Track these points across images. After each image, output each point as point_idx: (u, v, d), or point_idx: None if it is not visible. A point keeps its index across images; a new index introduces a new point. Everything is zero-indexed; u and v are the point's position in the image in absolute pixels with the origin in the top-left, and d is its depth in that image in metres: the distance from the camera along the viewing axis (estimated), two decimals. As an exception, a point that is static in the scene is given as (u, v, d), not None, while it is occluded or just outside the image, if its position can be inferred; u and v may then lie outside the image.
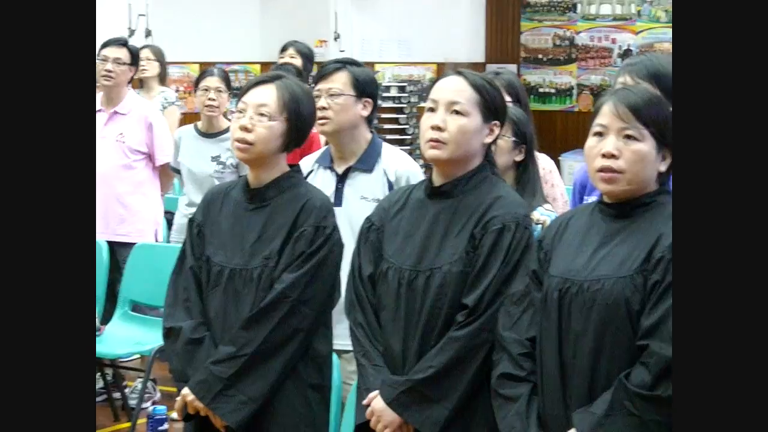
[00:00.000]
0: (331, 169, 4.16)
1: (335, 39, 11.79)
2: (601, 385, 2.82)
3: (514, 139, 3.86)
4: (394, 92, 12.01)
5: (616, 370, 2.80)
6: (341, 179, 4.15)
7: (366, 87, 4.16)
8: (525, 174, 3.92)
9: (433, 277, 3.16)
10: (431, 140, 3.19)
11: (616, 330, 2.82)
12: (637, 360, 2.78)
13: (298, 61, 7.49)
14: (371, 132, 4.24)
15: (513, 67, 13.21)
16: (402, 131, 11.57)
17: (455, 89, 3.23)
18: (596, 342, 2.83)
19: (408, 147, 11.00)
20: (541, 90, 14.03)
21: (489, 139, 3.28)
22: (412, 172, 4.16)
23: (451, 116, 3.19)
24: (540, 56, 14.32)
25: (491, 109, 3.26)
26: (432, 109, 3.22)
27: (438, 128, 3.18)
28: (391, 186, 4.08)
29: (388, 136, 10.65)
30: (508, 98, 4.33)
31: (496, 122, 3.28)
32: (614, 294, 2.82)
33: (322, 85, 4.08)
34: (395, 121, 11.72)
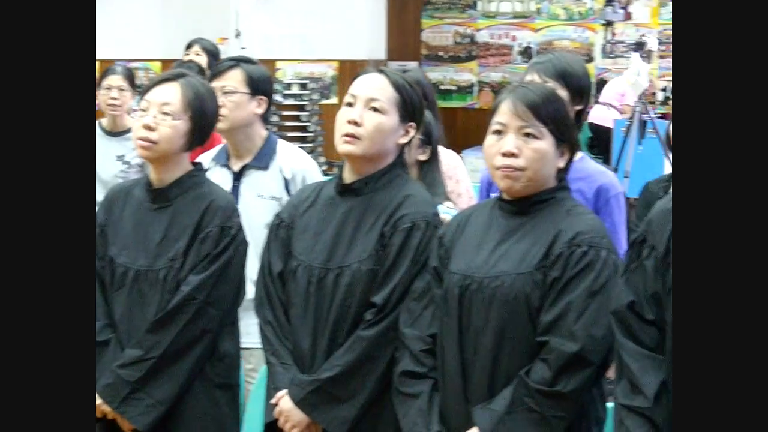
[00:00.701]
0: (227, 167, 4.16)
1: (236, 36, 11.71)
2: (501, 382, 2.85)
3: (420, 137, 3.89)
4: (295, 90, 11.98)
5: (517, 366, 2.83)
6: (237, 177, 4.15)
7: (260, 85, 4.17)
8: (429, 173, 3.94)
9: (342, 275, 3.16)
10: (346, 134, 3.17)
11: (516, 326, 2.85)
12: (537, 356, 2.82)
13: (203, 59, 7.43)
14: (267, 129, 4.25)
15: (414, 65, 13.27)
16: (303, 129, 11.54)
17: (376, 86, 3.22)
18: (497, 338, 2.86)
19: (310, 144, 10.98)
20: (442, 87, 14.10)
21: (404, 140, 3.27)
22: (309, 170, 4.17)
23: (369, 113, 3.18)
24: (441, 53, 14.40)
25: (409, 110, 3.25)
26: (350, 104, 3.21)
27: (355, 123, 3.17)
28: (287, 183, 4.08)
29: (290, 134, 10.62)
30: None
31: (412, 124, 3.27)
32: (514, 290, 2.85)
33: (216, 83, 4.05)
34: (296, 118, 11.68)
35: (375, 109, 3.19)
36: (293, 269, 3.24)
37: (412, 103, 3.26)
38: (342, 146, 3.19)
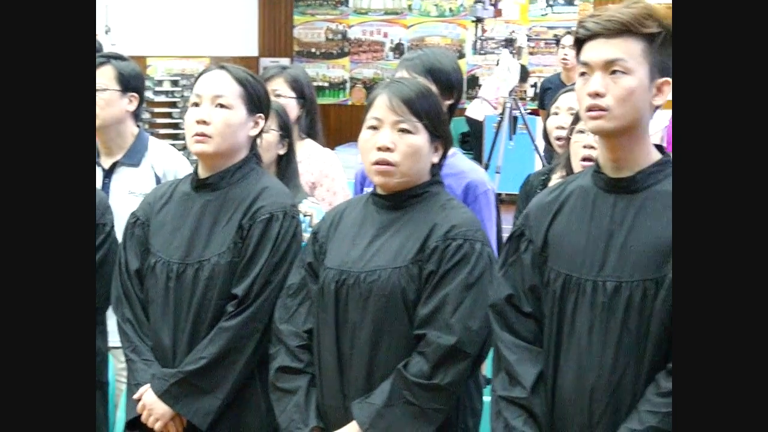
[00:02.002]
0: (98, 163, 4.12)
1: (106, 32, 11.55)
2: (379, 376, 2.85)
3: (280, 132, 3.88)
4: (167, 86, 11.86)
5: (394, 360, 2.84)
6: (108, 174, 4.11)
7: (131, 81, 4.13)
8: (288, 167, 3.93)
9: (201, 269, 3.14)
10: (197, 134, 3.17)
11: (393, 320, 2.85)
12: (415, 349, 2.83)
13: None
14: (138, 126, 4.21)
15: (286, 61, 13.24)
16: (176, 125, 11.45)
17: (219, 83, 3.22)
18: (373, 333, 2.86)
19: (182, 141, 10.88)
20: (314, 84, 14.10)
21: (254, 132, 3.28)
22: (180, 167, 4.14)
23: (216, 110, 3.18)
24: (313, 50, 14.40)
25: (255, 101, 3.26)
26: (196, 104, 3.21)
27: (203, 122, 3.17)
28: (158, 181, 4.05)
29: (162, 131, 10.53)
30: (292, 93, 4.35)
31: (261, 115, 3.28)
32: (390, 284, 2.86)
33: None
34: (168, 115, 11.58)
35: (221, 106, 3.20)
36: (151, 266, 3.22)
37: (257, 95, 3.28)
38: (194, 146, 3.19)
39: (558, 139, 4.08)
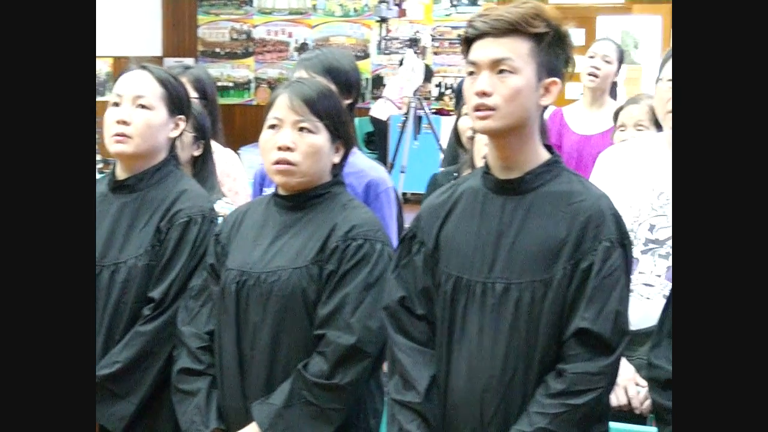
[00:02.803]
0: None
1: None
2: (279, 376, 2.85)
3: (194, 134, 3.86)
4: (68, 86, 11.70)
5: (295, 361, 2.84)
6: None
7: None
8: (204, 169, 3.92)
9: (118, 271, 3.10)
10: (116, 134, 3.14)
11: (293, 320, 2.85)
12: (315, 349, 2.83)
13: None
14: None
15: (191, 61, 13.15)
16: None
17: (140, 83, 3.19)
18: (274, 333, 2.86)
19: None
20: (219, 84, 14.02)
21: (174, 133, 3.26)
22: None
23: (137, 110, 3.16)
24: (217, 50, 14.32)
25: (176, 103, 3.25)
26: (116, 104, 3.18)
27: (123, 122, 3.14)
28: None
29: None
30: (195, 93, 4.32)
31: (182, 117, 3.27)
32: (290, 285, 2.85)
33: None
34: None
35: (142, 106, 3.17)
36: None
37: (179, 96, 3.26)
38: (113, 146, 3.16)
39: (471, 138, 4.12)
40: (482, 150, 3.60)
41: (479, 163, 3.58)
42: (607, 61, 5.64)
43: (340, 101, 3.11)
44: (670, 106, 3.29)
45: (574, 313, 2.51)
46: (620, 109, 4.32)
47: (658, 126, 3.56)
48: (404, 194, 9.75)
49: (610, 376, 2.53)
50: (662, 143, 3.38)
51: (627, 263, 2.57)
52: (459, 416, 2.59)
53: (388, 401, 2.67)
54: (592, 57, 5.67)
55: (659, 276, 3.25)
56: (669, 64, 3.34)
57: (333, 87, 3.32)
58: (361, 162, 3.60)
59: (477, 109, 2.55)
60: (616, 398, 3.11)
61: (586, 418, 2.51)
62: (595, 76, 5.62)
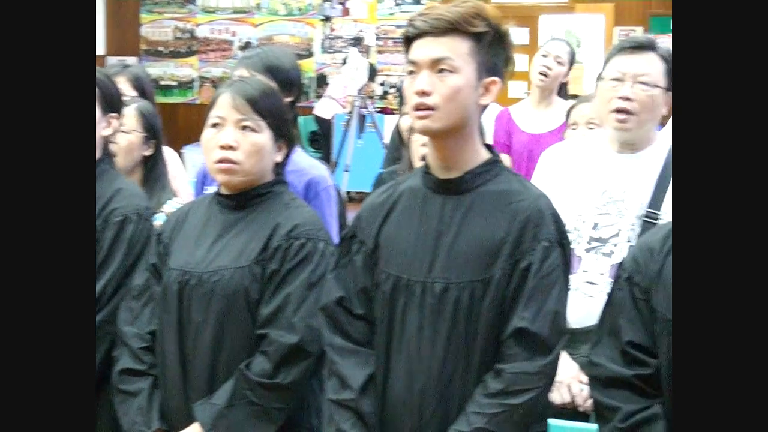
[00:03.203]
0: None
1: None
2: (222, 376, 2.84)
3: (144, 134, 3.84)
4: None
5: (237, 360, 2.83)
6: None
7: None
8: (155, 169, 3.90)
9: None
10: None
11: (235, 320, 2.84)
12: (257, 349, 2.83)
13: None
14: None
15: (134, 60, 13.07)
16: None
17: None
18: (216, 333, 2.85)
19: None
20: (162, 83, 13.95)
21: (107, 132, 3.24)
22: None
23: None
24: (161, 49, 14.24)
25: (108, 101, 3.23)
26: None
27: None
28: None
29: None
30: (134, 92, 4.30)
31: (114, 114, 3.25)
32: (233, 284, 2.85)
33: None
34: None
35: None
36: None
37: (111, 94, 3.25)
38: None
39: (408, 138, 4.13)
40: (419, 150, 3.60)
41: (417, 163, 3.59)
42: (559, 62, 5.66)
43: (283, 100, 3.11)
44: (611, 105, 3.32)
45: (512, 312, 2.52)
46: (572, 107, 4.35)
47: None
48: (348, 193, 9.74)
49: (548, 376, 2.54)
50: (604, 141, 3.40)
51: (566, 263, 2.58)
52: (397, 416, 2.59)
53: (325, 402, 2.67)
54: (545, 56, 5.69)
55: (602, 274, 3.27)
56: (611, 63, 3.38)
57: (273, 85, 3.31)
58: (302, 160, 3.60)
59: (417, 108, 2.55)
60: (560, 396, 3.13)
61: (524, 418, 2.52)
62: (546, 75, 5.64)
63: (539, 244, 2.53)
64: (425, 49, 2.55)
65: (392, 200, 2.69)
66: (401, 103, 9.14)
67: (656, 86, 3.27)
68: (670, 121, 5.56)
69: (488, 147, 2.68)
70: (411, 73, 2.58)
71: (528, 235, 2.53)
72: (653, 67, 3.29)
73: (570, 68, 5.77)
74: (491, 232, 2.54)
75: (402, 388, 2.58)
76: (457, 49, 2.53)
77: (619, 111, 3.28)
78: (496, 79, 2.59)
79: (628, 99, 3.26)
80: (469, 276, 2.54)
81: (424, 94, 2.53)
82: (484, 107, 2.62)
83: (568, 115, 4.37)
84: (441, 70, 2.53)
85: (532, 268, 2.52)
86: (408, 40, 2.60)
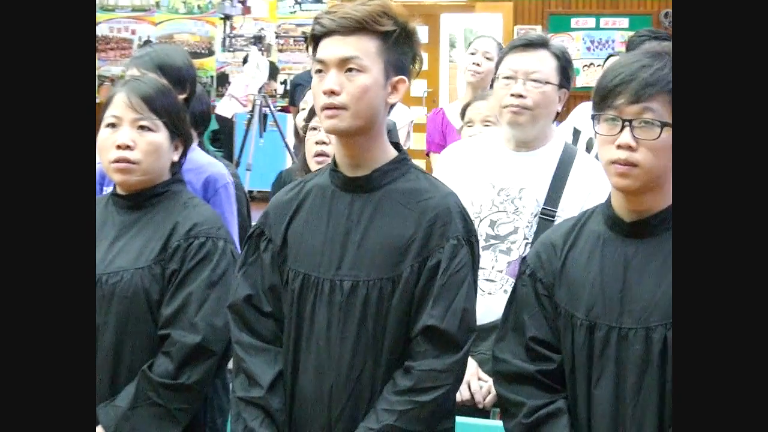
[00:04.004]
0: None
1: None
2: (124, 378, 2.82)
3: None
4: None
5: (139, 362, 2.80)
6: None
7: None
8: None
9: None
10: None
11: (136, 321, 2.82)
12: (160, 349, 2.80)
13: None
14: None
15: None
16: None
17: None
18: (117, 334, 2.82)
19: None
20: (60, 82, 13.75)
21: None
22: None
23: None
24: (58, 47, 14.03)
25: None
26: None
27: None
28: None
29: None
30: None
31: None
32: (133, 285, 2.82)
33: None
34: None
35: None
36: None
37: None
38: None
39: (304, 136, 4.11)
40: (313, 149, 3.60)
41: (311, 162, 3.58)
42: (488, 58, 5.69)
43: (178, 98, 3.08)
44: (504, 103, 3.36)
45: (421, 310, 2.52)
46: (468, 105, 4.37)
47: None
48: (250, 192, 9.69)
49: (457, 373, 2.56)
50: (500, 140, 3.43)
51: (474, 261, 2.60)
52: (307, 413, 2.58)
53: (232, 400, 2.65)
54: (473, 54, 5.74)
55: (500, 272, 3.30)
56: (504, 62, 3.42)
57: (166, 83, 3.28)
58: (200, 158, 3.58)
59: (325, 108, 2.54)
60: (460, 394, 3.14)
61: (433, 415, 2.53)
62: (477, 72, 5.68)
63: (447, 242, 2.53)
64: (333, 48, 2.54)
65: (300, 198, 2.67)
66: (292, 101, 9.13)
67: (548, 83, 3.32)
68: (570, 117, 5.65)
69: (396, 145, 2.67)
70: (319, 72, 2.57)
71: (436, 233, 2.54)
72: (545, 65, 3.34)
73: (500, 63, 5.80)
74: (400, 229, 2.54)
75: (311, 386, 2.57)
76: (366, 49, 2.53)
77: (511, 108, 3.32)
78: (404, 77, 2.59)
79: (520, 96, 3.31)
80: (378, 274, 2.54)
81: (332, 93, 2.52)
82: (392, 106, 2.62)
83: (463, 114, 4.40)
84: (349, 70, 2.52)
85: (440, 266, 2.52)
86: (315, 39, 2.59)
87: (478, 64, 5.68)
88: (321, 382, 2.56)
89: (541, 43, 3.39)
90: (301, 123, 4.21)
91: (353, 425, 2.53)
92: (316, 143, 3.57)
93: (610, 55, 6.13)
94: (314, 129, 3.59)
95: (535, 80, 3.32)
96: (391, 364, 2.54)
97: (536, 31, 11.12)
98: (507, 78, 3.36)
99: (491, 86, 3.88)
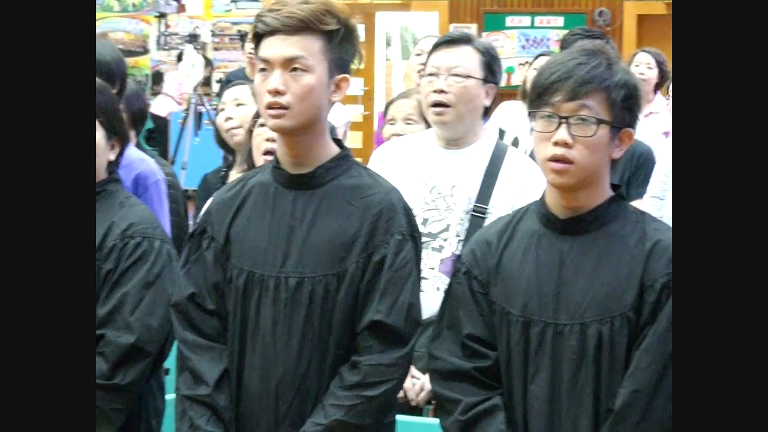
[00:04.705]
0: None
1: None
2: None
3: None
4: None
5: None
6: None
7: None
8: None
9: None
10: None
11: None
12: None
13: None
14: None
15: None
16: None
17: None
18: (51, 335, 2.80)
19: None
20: (-9, 80, 13.56)
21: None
22: None
23: None
24: (-11, 45, 13.84)
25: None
26: None
27: None
28: None
29: None
30: None
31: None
32: None
33: None
34: None
35: None
36: None
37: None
38: None
39: (227, 130, 4.09)
40: (262, 145, 3.59)
41: (259, 159, 3.58)
42: None
43: (115, 97, 3.06)
44: (429, 100, 3.39)
45: (367, 305, 2.54)
46: (390, 102, 4.38)
47: (427, 121, 3.63)
48: (185, 191, 9.63)
49: (403, 367, 2.58)
50: (431, 138, 3.45)
51: (418, 255, 2.62)
52: (254, 410, 2.59)
53: (177, 398, 2.64)
54: (418, 54, 5.75)
55: (433, 269, 3.32)
56: (429, 60, 3.45)
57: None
58: (131, 153, 3.55)
59: (270, 107, 2.55)
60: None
61: (380, 409, 2.55)
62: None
63: (392, 238, 2.56)
64: (278, 47, 2.55)
65: (242, 195, 2.68)
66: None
67: (470, 77, 3.35)
68: (493, 117, 5.68)
69: (338, 142, 2.69)
70: (263, 70, 2.56)
71: (381, 228, 2.56)
72: (467, 60, 3.38)
73: None
74: (344, 226, 2.56)
75: (257, 383, 2.58)
76: (310, 48, 2.54)
77: (435, 105, 3.34)
78: (347, 75, 2.62)
79: (442, 92, 3.33)
80: (323, 270, 2.55)
81: (277, 93, 2.53)
82: (333, 103, 2.64)
83: (386, 111, 4.41)
84: (294, 69, 2.53)
85: (385, 261, 2.54)
86: (258, 37, 2.58)
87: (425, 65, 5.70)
88: (267, 379, 2.57)
89: (463, 39, 3.43)
90: (220, 120, 4.18)
91: (300, 421, 2.54)
92: (266, 140, 3.56)
93: (540, 54, 6.17)
94: (263, 126, 3.58)
95: (456, 75, 3.35)
96: (338, 359, 2.55)
97: (471, 29, 11.17)
98: (431, 75, 3.39)
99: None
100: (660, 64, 6.38)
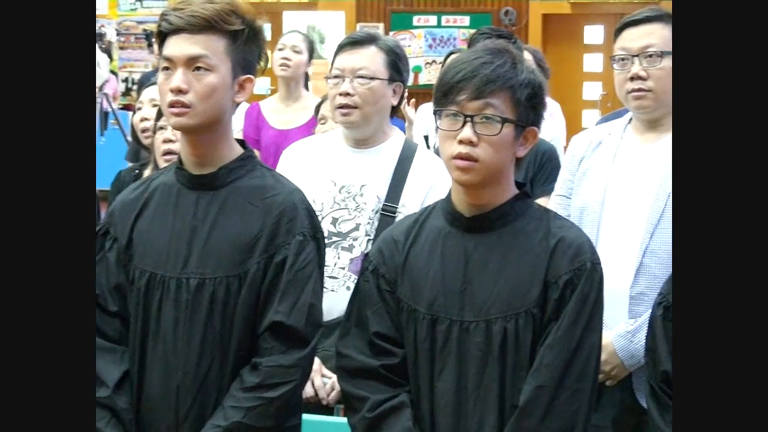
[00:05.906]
0: None
1: None
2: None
3: None
4: None
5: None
6: None
7: None
8: None
9: None
10: None
11: None
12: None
13: None
14: None
15: None
16: None
17: None
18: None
19: None
20: None
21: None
22: None
23: None
24: None
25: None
26: None
27: None
28: None
29: None
30: None
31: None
32: None
33: None
34: None
35: None
36: None
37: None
38: None
39: (143, 131, 4.08)
40: (161, 147, 3.57)
41: (160, 160, 3.56)
42: (297, 51, 5.75)
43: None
44: (335, 102, 3.39)
45: (268, 306, 2.54)
46: (321, 102, 4.39)
47: None
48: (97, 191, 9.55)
49: (304, 369, 2.58)
50: (340, 138, 3.45)
51: (320, 256, 2.63)
52: (154, 412, 2.58)
53: None
54: (281, 49, 5.77)
55: (343, 268, 3.33)
56: (334, 62, 3.45)
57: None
58: None
59: (171, 105, 2.54)
60: (303, 391, 3.16)
61: (280, 411, 2.55)
62: (287, 66, 5.71)
63: (294, 238, 2.56)
64: (181, 46, 2.54)
65: (145, 196, 2.67)
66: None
67: (375, 78, 3.35)
68: (419, 114, 5.71)
69: (241, 142, 2.69)
70: (165, 69, 2.56)
71: (282, 229, 2.56)
72: (372, 61, 3.38)
73: (310, 57, 5.86)
74: (246, 226, 2.56)
75: (158, 385, 2.57)
76: (214, 48, 2.54)
77: (341, 107, 3.35)
78: (251, 76, 2.61)
79: (348, 94, 3.34)
80: (225, 271, 2.55)
81: (180, 92, 2.52)
82: (238, 104, 2.64)
83: (317, 111, 4.41)
84: (197, 68, 2.53)
85: (287, 262, 2.54)
86: (161, 35, 2.57)
87: (287, 59, 5.74)
88: (168, 381, 2.56)
89: (368, 40, 3.43)
90: (136, 120, 4.17)
91: (201, 423, 2.53)
92: (164, 141, 3.54)
93: (451, 53, 6.22)
94: (162, 128, 3.56)
95: (361, 77, 3.36)
96: (239, 361, 2.55)
97: (378, 29, 11.20)
98: (336, 77, 3.39)
99: None
100: (539, 62, 6.46)
